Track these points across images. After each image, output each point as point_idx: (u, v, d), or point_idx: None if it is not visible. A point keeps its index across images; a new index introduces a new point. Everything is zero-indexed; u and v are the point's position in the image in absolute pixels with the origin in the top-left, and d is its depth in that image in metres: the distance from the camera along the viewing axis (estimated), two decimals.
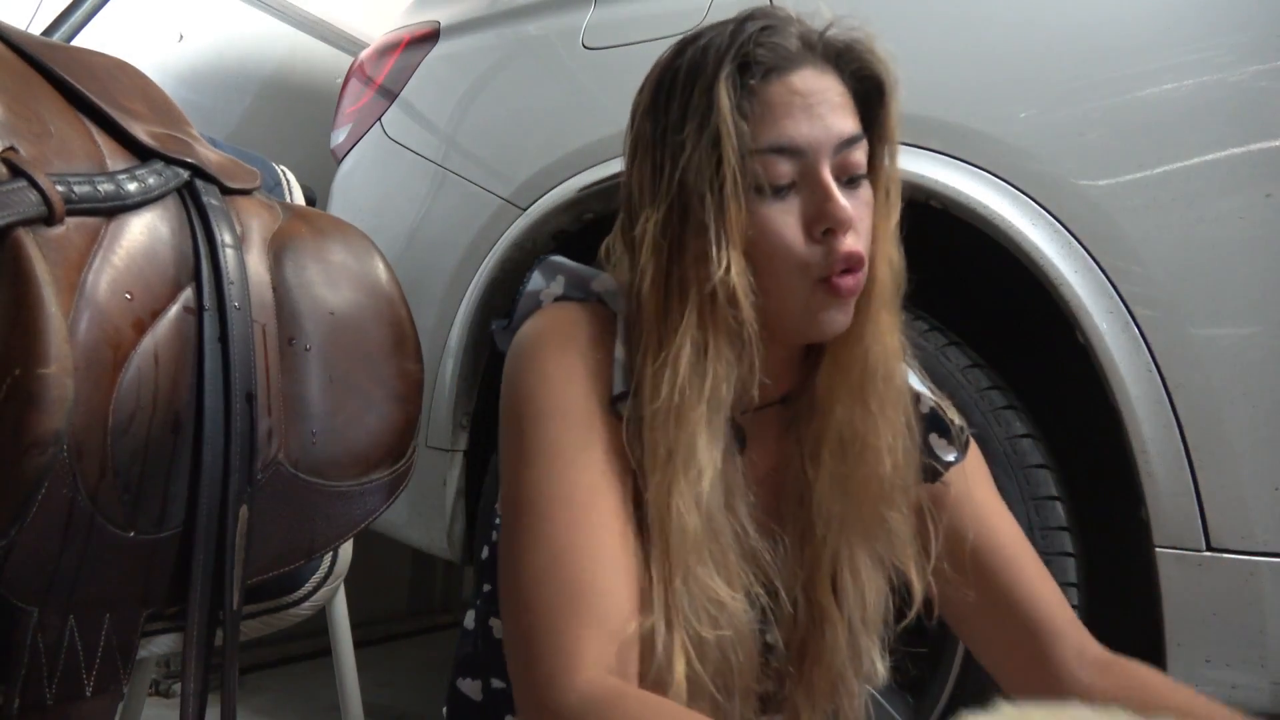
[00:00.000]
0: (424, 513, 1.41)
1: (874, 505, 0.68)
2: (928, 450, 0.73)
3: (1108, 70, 0.95)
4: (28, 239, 0.54)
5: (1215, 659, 0.86)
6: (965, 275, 1.10)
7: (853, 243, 0.63)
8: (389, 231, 1.49)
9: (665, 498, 0.61)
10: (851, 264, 0.63)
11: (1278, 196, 0.86)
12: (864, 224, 0.65)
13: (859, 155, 0.65)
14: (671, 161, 0.64)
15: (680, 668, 0.59)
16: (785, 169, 0.63)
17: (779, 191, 0.64)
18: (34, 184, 0.56)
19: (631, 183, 0.68)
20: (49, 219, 0.56)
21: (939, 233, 1.09)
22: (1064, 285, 0.94)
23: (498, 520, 0.74)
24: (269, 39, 2.06)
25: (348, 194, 1.66)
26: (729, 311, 0.62)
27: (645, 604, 0.60)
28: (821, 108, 0.64)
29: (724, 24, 0.67)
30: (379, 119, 1.60)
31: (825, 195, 0.63)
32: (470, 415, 1.43)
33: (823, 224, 0.63)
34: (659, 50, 0.70)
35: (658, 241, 0.64)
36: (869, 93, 0.67)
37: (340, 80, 1.74)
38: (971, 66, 1.03)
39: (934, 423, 0.74)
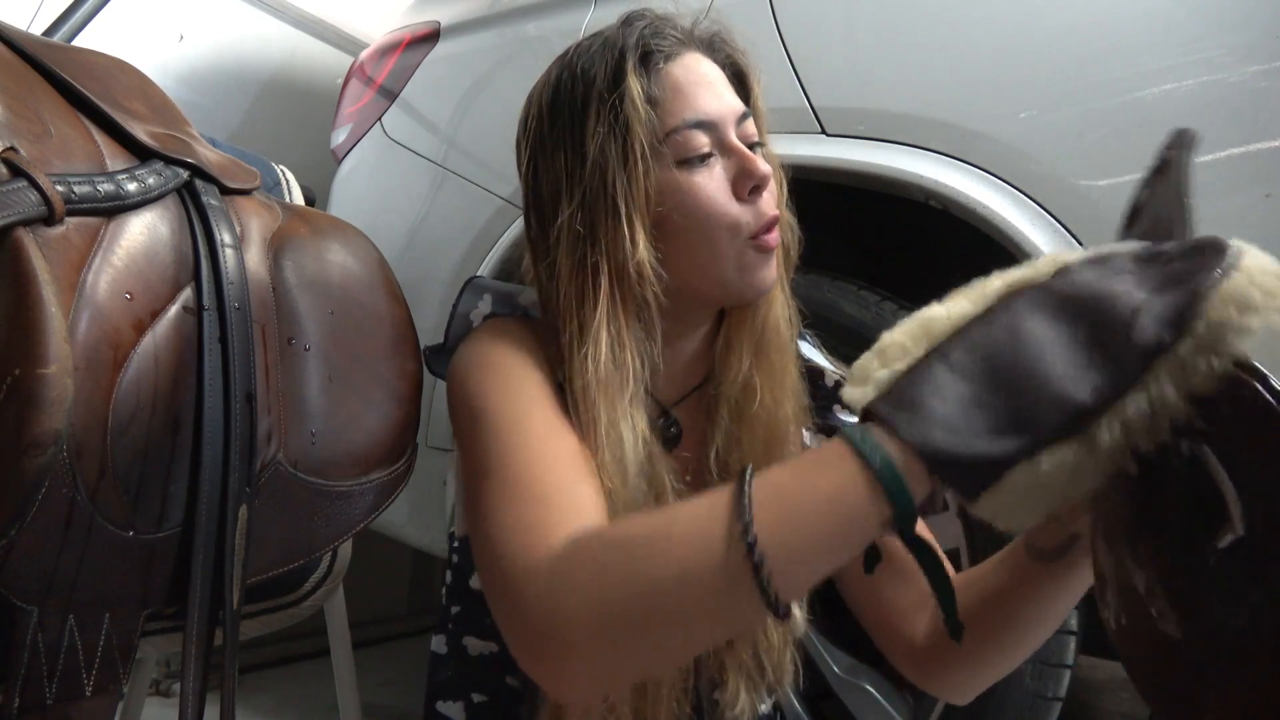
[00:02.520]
0: (424, 513, 1.41)
1: (769, 451, 0.72)
2: (834, 419, 0.79)
3: (1107, 71, 0.95)
4: (28, 239, 0.54)
5: None
6: (965, 275, 1.10)
7: (772, 203, 0.70)
8: (389, 231, 1.49)
9: (602, 468, 0.63)
10: (773, 224, 0.70)
11: (1277, 196, 0.86)
12: (772, 185, 0.71)
13: (753, 128, 0.72)
14: (581, 156, 0.69)
15: None
16: (703, 140, 0.69)
17: (702, 160, 0.69)
18: (34, 184, 0.56)
19: (540, 189, 0.72)
20: (49, 219, 0.56)
21: (939, 233, 1.09)
22: None
23: (456, 544, 0.75)
24: (269, 39, 2.06)
25: (348, 194, 1.66)
26: (638, 290, 0.67)
27: None
28: (718, 85, 0.71)
29: (605, 31, 0.73)
30: (379, 119, 1.60)
31: (744, 157, 0.69)
32: None
33: (749, 182, 0.68)
34: None
35: (574, 232, 0.68)
36: (737, 78, 0.75)
37: (340, 80, 1.74)
38: (971, 67, 1.03)
39: (838, 396, 0.78)
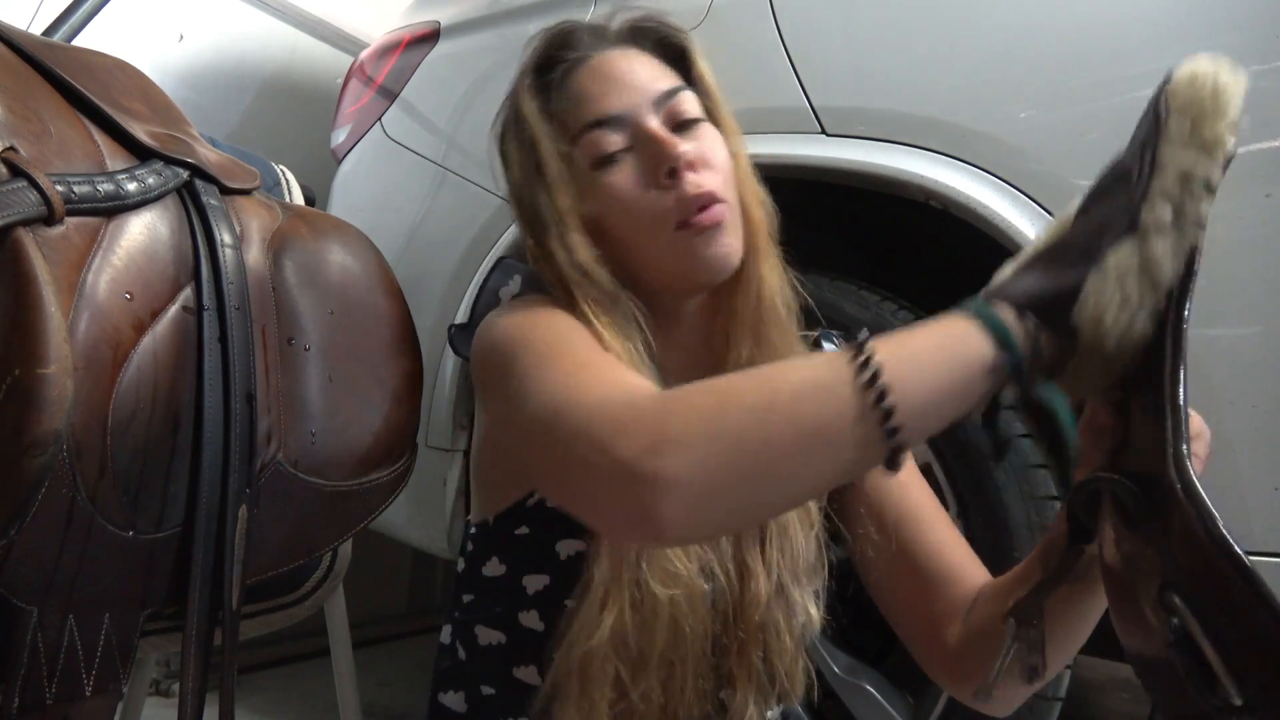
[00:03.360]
0: (424, 513, 1.41)
1: None
2: None
3: (1108, 71, 0.95)
4: (28, 239, 0.54)
5: None
6: (965, 276, 1.10)
7: (702, 180, 0.67)
8: (389, 231, 1.49)
9: None
10: (703, 200, 0.66)
11: (1278, 196, 0.86)
12: (715, 158, 0.69)
13: (686, 104, 0.70)
14: (510, 179, 0.72)
15: (610, 620, 0.61)
16: (611, 138, 0.68)
17: (614, 159, 0.68)
18: (34, 184, 0.56)
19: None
20: (49, 219, 0.56)
21: (939, 233, 1.09)
22: None
23: (472, 530, 0.75)
24: (269, 39, 2.06)
25: (348, 194, 1.66)
26: (596, 289, 0.67)
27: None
28: (629, 76, 0.70)
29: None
30: (379, 119, 1.60)
31: (656, 140, 0.67)
32: (470, 415, 1.43)
33: (661, 166, 0.67)
34: None
35: (531, 250, 0.71)
36: (677, 58, 0.74)
37: (340, 80, 1.74)
38: (971, 67, 1.03)
39: None
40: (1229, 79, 0.50)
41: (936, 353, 0.46)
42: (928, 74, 1.04)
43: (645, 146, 0.68)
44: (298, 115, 2.09)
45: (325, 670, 1.06)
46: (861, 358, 0.44)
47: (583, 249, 0.67)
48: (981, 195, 0.99)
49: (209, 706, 0.61)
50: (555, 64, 0.72)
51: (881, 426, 0.44)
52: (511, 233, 1.36)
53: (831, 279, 1.12)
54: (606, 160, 0.68)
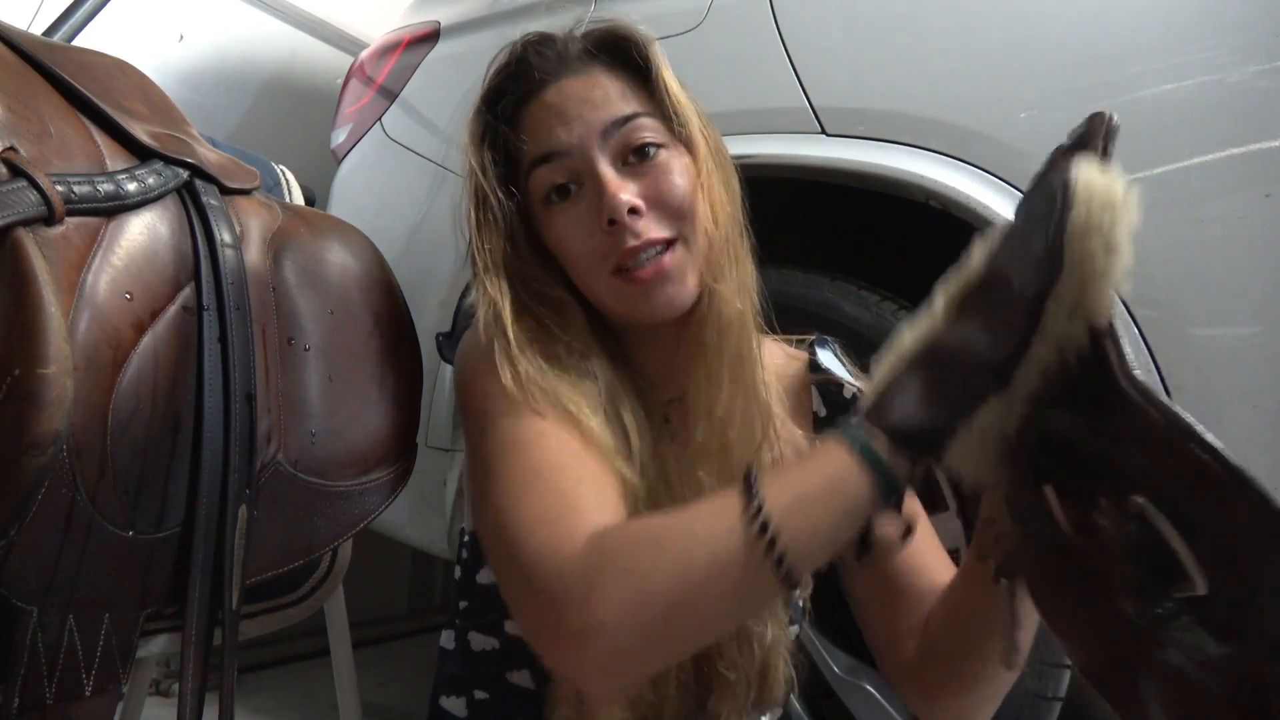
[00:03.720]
0: (424, 513, 1.41)
1: (736, 454, 0.69)
2: None
3: (1108, 71, 0.95)
4: (28, 239, 0.54)
5: None
6: None
7: (646, 227, 0.65)
8: (389, 231, 1.49)
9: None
10: (643, 250, 0.65)
11: (1278, 196, 0.86)
12: (669, 195, 0.66)
13: (640, 132, 0.67)
14: (461, 223, 0.70)
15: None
16: (555, 175, 0.67)
17: (562, 193, 0.67)
18: (34, 184, 0.56)
19: None
20: (49, 219, 0.56)
21: (939, 233, 1.09)
22: None
23: (466, 538, 0.75)
24: (269, 39, 2.06)
25: (348, 194, 1.66)
26: (544, 324, 0.67)
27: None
28: (577, 108, 0.67)
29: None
30: (379, 119, 1.60)
31: (598, 187, 0.65)
32: None
33: (602, 214, 0.65)
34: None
35: (485, 295, 0.68)
36: (639, 71, 0.70)
37: (340, 80, 1.74)
38: (971, 67, 1.03)
39: (852, 408, 0.77)
40: (1124, 240, 0.46)
41: (823, 497, 0.51)
42: (928, 74, 1.04)
43: (594, 188, 0.66)
44: (298, 115, 2.09)
45: (325, 670, 1.06)
46: (757, 524, 0.49)
47: (498, 287, 0.67)
48: (981, 195, 0.99)
49: (209, 706, 0.61)
50: (504, 96, 0.70)
51: (777, 574, 0.49)
52: None
53: (831, 279, 1.12)
54: (553, 195, 0.68)
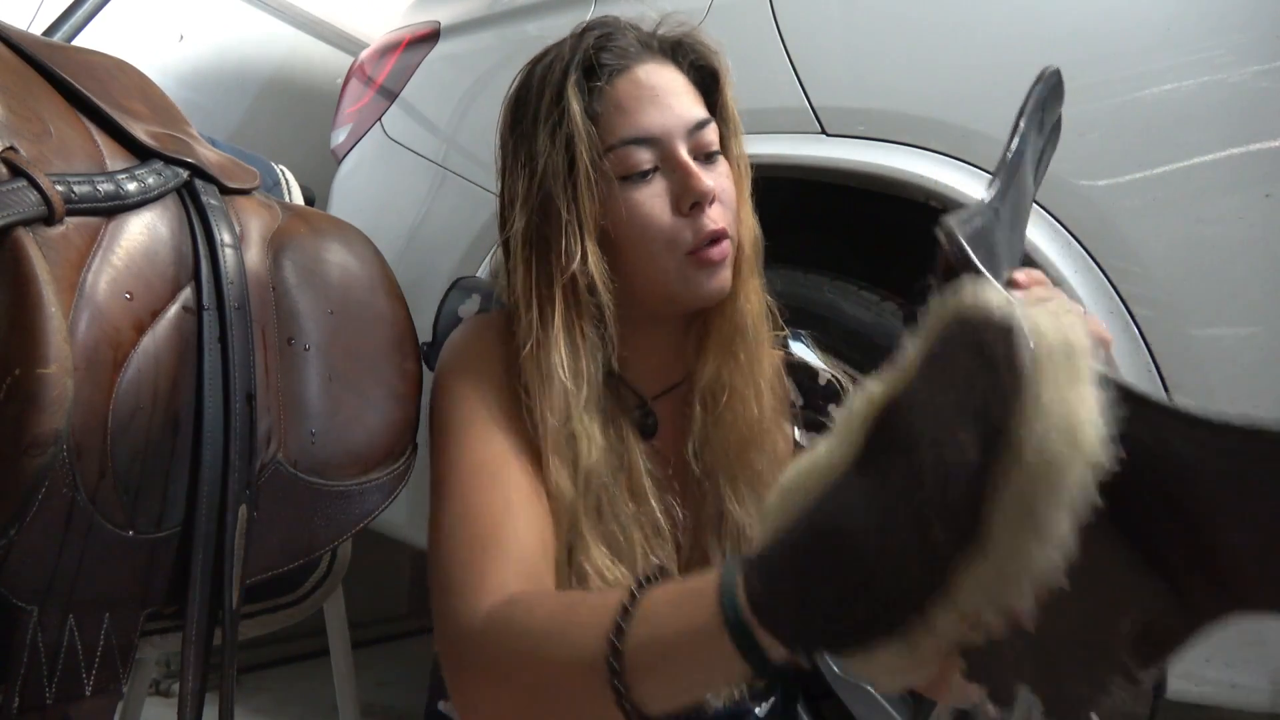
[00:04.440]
0: (424, 513, 1.40)
1: (742, 449, 0.74)
2: (826, 418, 0.80)
3: (1108, 71, 0.95)
4: (28, 239, 0.54)
5: (1214, 658, 0.86)
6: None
7: (717, 216, 0.70)
8: (389, 231, 1.49)
9: (548, 467, 0.66)
10: (717, 237, 0.70)
11: (1278, 196, 0.86)
12: (726, 195, 0.72)
13: (711, 135, 0.72)
14: (531, 169, 0.71)
15: None
16: (644, 156, 0.70)
17: (644, 176, 0.70)
18: (34, 184, 0.56)
19: (503, 197, 0.75)
20: (49, 219, 0.56)
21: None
22: (1064, 285, 0.94)
23: None
24: (269, 39, 2.06)
25: (348, 194, 1.65)
26: (588, 299, 0.69)
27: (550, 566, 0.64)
28: (669, 98, 0.71)
29: (565, 40, 0.74)
30: (379, 119, 1.60)
31: (687, 173, 0.69)
32: None
33: (689, 199, 0.69)
34: None
35: (526, 241, 0.71)
36: (706, 81, 0.75)
37: (340, 80, 1.74)
38: (971, 67, 1.03)
39: (831, 394, 0.81)
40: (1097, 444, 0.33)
41: (683, 643, 0.46)
42: (928, 74, 1.04)
43: (675, 173, 0.70)
44: (298, 115, 2.09)
45: (325, 670, 1.06)
46: (615, 679, 0.48)
47: (595, 259, 0.69)
48: (981, 195, 0.99)
49: (209, 706, 0.61)
50: (601, 66, 0.72)
51: (613, 690, 0.48)
52: None
53: (831, 279, 1.12)
54: (637, 176, 0.70)
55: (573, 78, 0.70)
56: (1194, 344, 0.88)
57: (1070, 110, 0.98)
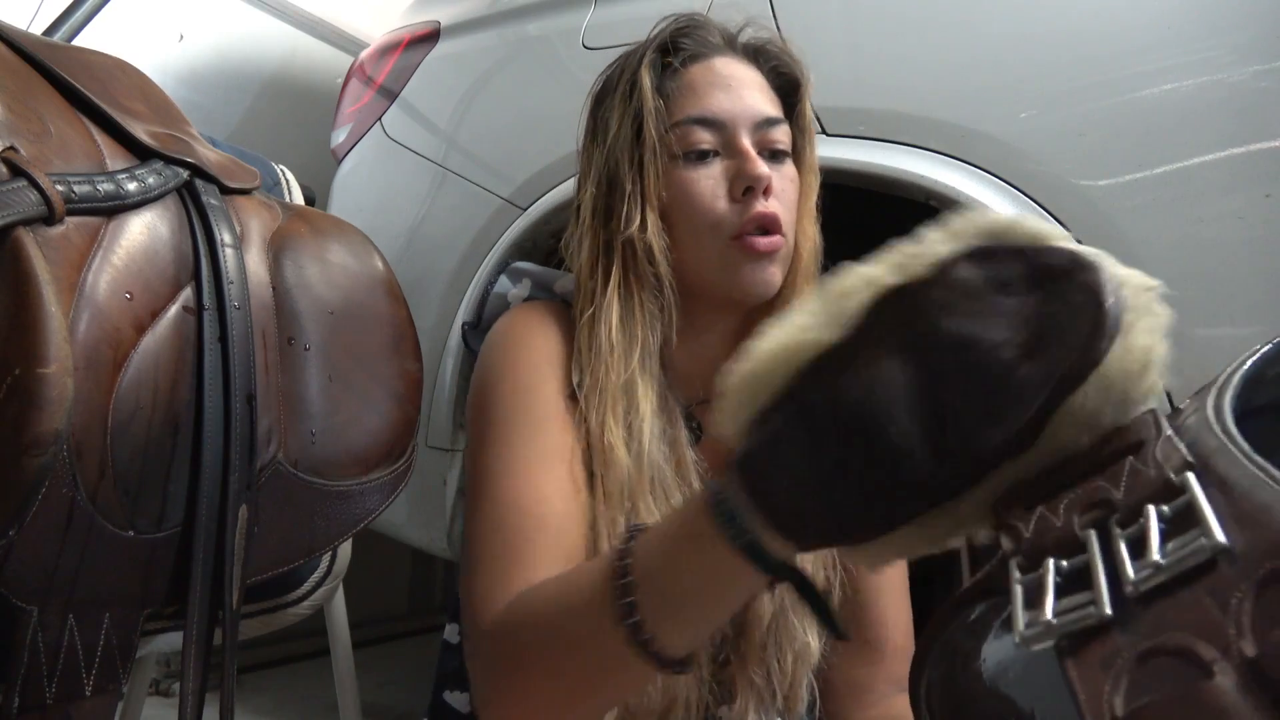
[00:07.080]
0: (424, 513, 1.41)
1: None
2: None
3: (1108, 71, 0.95)
4: (28, 239, 0.54)
5: None
6: None
7: (770, 205, 0.69)
8: (389, 231, 1.49)
9: (600, 432, 0.66)
10: (766, 224, 0.69)
11: (1278, 196, 0.86)
12: (786, 195, 0.72)
13: (780, 135, 0.73)
14: (603, 140, 0.73)
15: None
16: (705, 136, 0.71)
17: (702, 156, 0.71)
18: (34, 184, 0.56)
19: (581, 166, 0.77)
20: (49, 219, 0.56)
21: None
22: None
23: None
24: (269, 39, 2.06)
25: (348, 194, 1.66)
26: (648, 267, 0.70)
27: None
28: (741, 89, 0.72)
29: (655, 25, 0.76)
30: (379, 119, 1.60)
31: (745, 157, 0.70)
32: None
33: (742, 183, 0.69)
34: None
35: (593, 210, 0.72)
36: (785, 88, 0.76)
37: (340, 80, 1.74)
38: (971, 67, 1.03)
39: None
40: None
41: (695, 581, 0.45)
42: (928, 74, 1.04)
43: (732, 157, 0.70)
44: (298, 115, 2.09)
45: (325, 670, 1.06)
46: (629, 621, 0.46)
47: (655, 228, 0.70)
48: (981, 195, 0.99)
49: (209, 706, 0.61)
50: (679, 49, 0.74)
51: (657, 666, 0.47)
52: (512, 233, 1.37)
53: None
54: (695, 155, 0.71)
55: (648, 57, 0.73)
56: (1194, 344, 0.88)
57: (1070, 110, 0.98)
